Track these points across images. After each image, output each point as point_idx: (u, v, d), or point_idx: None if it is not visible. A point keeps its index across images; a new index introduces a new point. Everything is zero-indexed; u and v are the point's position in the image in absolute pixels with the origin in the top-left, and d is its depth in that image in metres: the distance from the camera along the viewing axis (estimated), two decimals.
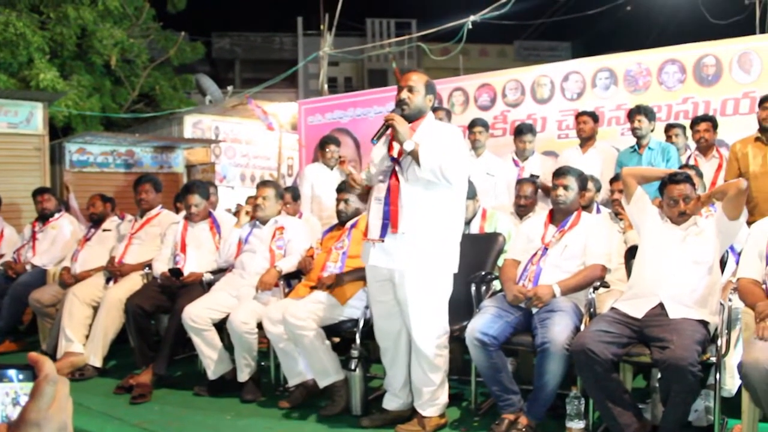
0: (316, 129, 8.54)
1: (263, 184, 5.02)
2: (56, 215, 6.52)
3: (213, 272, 5.03)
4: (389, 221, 3.48)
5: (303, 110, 8.91)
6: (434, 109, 5.70)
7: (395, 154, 3.55)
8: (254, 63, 32.47)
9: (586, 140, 6.04)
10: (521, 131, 6.13)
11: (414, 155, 3.43)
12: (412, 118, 3.55)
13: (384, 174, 3.59)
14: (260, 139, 11.93)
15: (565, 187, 4.01)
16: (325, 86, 12.14)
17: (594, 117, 6.10)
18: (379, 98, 8.10)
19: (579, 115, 6.14)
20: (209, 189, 5.62)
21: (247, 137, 12.01)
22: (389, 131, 3.53)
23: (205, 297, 4.66)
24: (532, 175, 5.62)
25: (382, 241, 3.50)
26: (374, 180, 3.69)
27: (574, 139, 6.45)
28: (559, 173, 4.09)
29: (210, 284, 4.90)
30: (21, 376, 0.85)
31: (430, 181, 3.44)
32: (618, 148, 6.14)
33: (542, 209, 5.29)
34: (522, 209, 5.32)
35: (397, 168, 3.52)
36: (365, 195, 3.75)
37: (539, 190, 5.52)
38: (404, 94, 3.58)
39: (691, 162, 5.40)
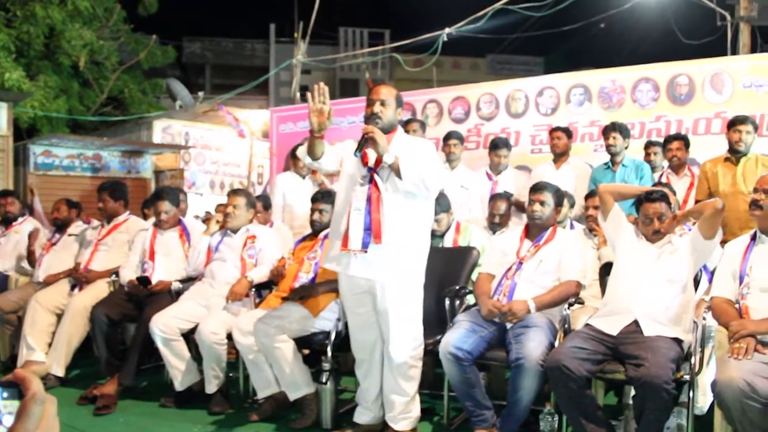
0: (287, 137, 8.48)
1: (234, 192, 4.99)
2: (20, 219, 6.37)
3: (182, 281, 4.96)
4: (371, 231, 3.47)
5: (275, 118, 8.86)
6: (408, 121, 5.97)
7: (371, 164, 3.55)
8: (225, 69, 32.19)
9: (560, 156, 6.09)
10: (496, 145, 6.16)
11: (394, 168, 3.44)
12: (385, 131, 3.55)
13: (358, 183, 3.57)
14: (231, 146, 11.85)
15: (542, 203, 4.02)
16: (298, 94, 12.12)
17: (568, 133, 6.14)
18: (352, 108, 8.07)
19: (553, 131, 6.18)
20: (179, 196, 5.56)
21: (217, 144, 11.94)
22: (368, 143, 3.51)
23: (174, 306, 4.60)
24: (505, 192, 5.64)
25: (365, 251, 3.47)
26: (342, 178, 3.69)
27: (547, 154, 6.49)
28: (536, 189, 4.11)
29: (179, 293, 4.84)
30: (5, 394, 0.81)
31: (409, 191, 3.47)
32: (591, 164, 6.18)
33: (516, 224, 5.35)
34: (496, 226, 5.32)
35: (376, 178, 3.52)
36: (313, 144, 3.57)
37: (512, 206, 5.54)
38: (377, 108, 3.59)
39: (664, 180, 5.46)
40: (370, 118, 3.58)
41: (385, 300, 3.57)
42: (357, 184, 3.55)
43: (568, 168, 6.03)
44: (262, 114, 11.26)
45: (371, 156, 3.55)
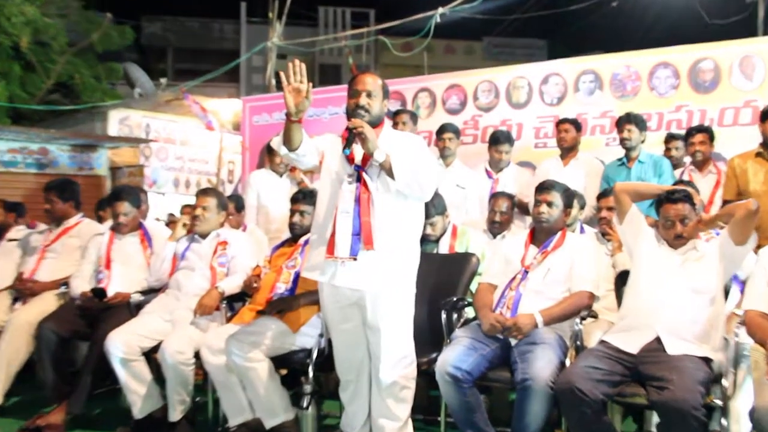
0: (262, 130, 8.42)
1: (204, 192, 4.94)
2: None
3: (143, 292, 4.90)
4: (361, 236, 3.45)
5: (248, 108, 8.80)
6: (397, 113, 6.00)
7: (359, 161, 3.54)
8: (190, 52, 31.75)
9: (568, 151, 6.06)
10: (497, 140, 6.10)
11: (386, 166, 3.44)
12: (372, 125, 3.54)
13: (344, 182, 3.56)
14: (197, 139, 11.83)
15: (549, 204, 4.01)
16: (273, 81, 12.03)
17: (576, 125, 6.10)
18: (334, 97, 8.01)
19: (560, 123, 6.15)
20: (140, 195, 5.48)
21: (182, 137, 11.88)
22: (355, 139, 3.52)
23: (133, 321, 4.54)
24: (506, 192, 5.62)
25: (354, 259, 3.45)
26: (323, 177, 3.68)
27: (553, 148, 6.45)
28: (543, 188, 4.09)
29: (139, 306, 4.77)
30: None
31: (400, 192, 3.47)
32: (603, 160, 6.14)
33: (518, 227, 5.34)
34: (496, 226, 5.31)
35: (365, 177, 3.51)
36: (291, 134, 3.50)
37: (515, 207, 5.53)
38: (363, 100, 3.59)
39: (686, 177, 5.45)
40: (355, 111, 3.57)
41: (376, 313, 3.56)
42: (343, 183, 3.54)
43: (576, 164, 5.99)
44: (232, 103, 11.26)
45: (358, 153, 3.54)
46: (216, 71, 12.63)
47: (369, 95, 3.60)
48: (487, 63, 23.24)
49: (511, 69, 7.38)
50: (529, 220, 5.66)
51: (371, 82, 3.63)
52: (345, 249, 3.46)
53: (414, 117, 6.29)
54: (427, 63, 15.75)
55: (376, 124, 3.60)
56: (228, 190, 10.41)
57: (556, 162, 6.10)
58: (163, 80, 14.72)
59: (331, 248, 3.49)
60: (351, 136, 3.45)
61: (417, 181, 3.45)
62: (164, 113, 11.94)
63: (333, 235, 3.48)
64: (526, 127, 7.12)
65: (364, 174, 3.52)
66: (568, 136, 6.03)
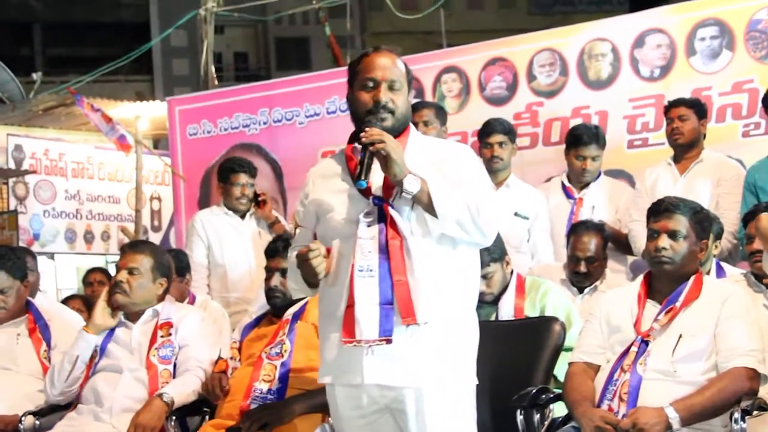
0: (201, 146, 7.11)
1: (132, 248, 4.23)
2: None
3: (38, 413, 4.08)
4: (394, 306, 2.86)
5: (177, 114, 7.37)
6: (414, 107, 4.93)
7: (377, 189, 2.91)
8: (67, 29, 25.91)
9: (686, 149, 4.94)
10: (580, 139, 5.01)
11: (421, 198, 2.82)
12: (395, 133, 2.93)
13: (360, 223, 2.94)
14: (101, 166, 9.78)
15: (673, 235, 3.38)
16: (211, 68, 9.96)
17: (698, 108, 4.97)
18: (314, 89, 6.80)
19: (671, 107, 5.01)
20: (25, 260, 4.63)
21: (75, 163, 9.75)
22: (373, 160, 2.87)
23: None
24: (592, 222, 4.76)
25: (390, 341, 2.85)
26: (322, 239, 3.08)
27: (660, 147, 5.36)
28: (661, 210, 3.47)
29: None
30: None
31: (444, 235, 2.90)
32: (741, 159, 5.01)
33: (614, 273, 4.72)
34: (581, 277, 4.50)
35: (392, 214, 2.89)
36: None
37: (607, 244, 4.69)
38: (385, 95, 2.95)
39: None
40: (375, 112, 2.93)
41: (423, 421, 2.93)
42: (355, 226, 2.92)
43: (701, 170, 4.94)
44: (149, 108, 9.15)
45: (375, 179, 2.90)
46: (123, 59, 10.47)
47: (392, 87, 2.96)
48: (536, 21, 19.49)
49: (583, 28, 6.11)
50: (630, 260, 5.01)
51: (391, 65, 2.99)
52: (371, 327, 2.87)
53: (441, 113, 5.28)
54: (445, 27, 12.74)
55: (401, 131, 2.99)
56: (154, 241, 8.69)
57: (668, 169, 5.01)
58: (36, 75, 12.59)
59: (349, 329, 2.87)
60: (366, 158, 2.79)
61: (471, 218, 2.83)
62: (43, 128, 9.92)
63: (350, 307, 2.87)
64: (612, 117, 5.82)
65: (389, 210, 2.88)
66: (686, 126, 4.88)
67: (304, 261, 2.89)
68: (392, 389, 2.93)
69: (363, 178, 2.79)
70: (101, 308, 4.02)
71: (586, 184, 5.12)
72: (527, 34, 6.42)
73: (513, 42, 6.27)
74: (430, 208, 2.80)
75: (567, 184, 5.16)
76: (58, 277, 8.37)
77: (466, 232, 2.85)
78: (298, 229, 3.26)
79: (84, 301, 6.09)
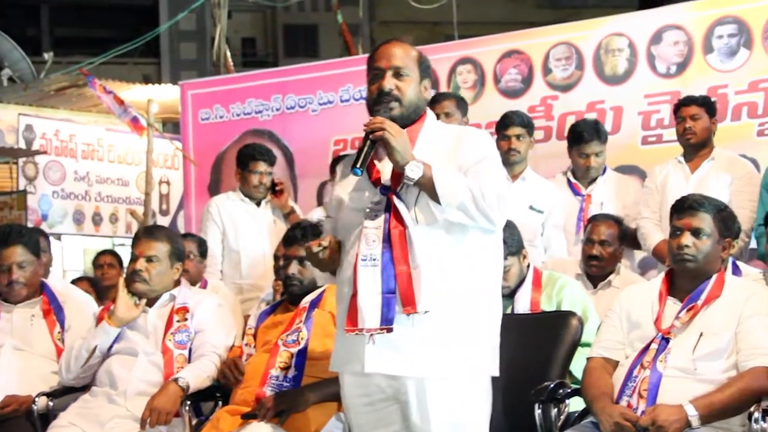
0: (213, 131, 7.10)
1: (149, 234, 4.13)
2: None
3: (52, 394, 4.07)
4: (396, 295, 2.87)
5: (190, 99, 7.32)
6: (435, 99, 4.98)
7: (386, 180, 2.96)
8: (75, 9, 26.33)
9: (697, 148, 4.93)
10: (580, 136, 5.01)
11: (425, 185, 2.85)
12: (406, 122, 2.98)
13: (366, 216, 2.96)
14: (110, 148, 9.79)
15: (697, 233, 3.36)
16: (227, 51, 10.04)
17: (709, 107, 4.97)
18: (327, 77, 6.84)
19: (682, 105, 5.00)
20: (39, 240, 4.55)
21: (85, 144, 9.75)
22: (374, 149, 2.92)
23: None
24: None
25: (390, 330, 2.85)
26: (341, 230, 3.13)
27: (674, 144, 5.30)
28: (685, 207, 3.43)
29: (47, 417, 4.00)
30: None
31: (453, 223, 2.90)
32: (756, 158, 4.99)
33: (629, 268, 4.72)
34: (595, 267, 4.48)
35: (396, 203, 2.90)
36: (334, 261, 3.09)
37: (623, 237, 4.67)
38: (389, 83, 3.00)
39: None
40: (379, 101, 2.98)
41: (427, 412, 2.93)
42: (362, 217, 2.97)
43: (713, 168, 4.94)
44: (160, 91, 9.21)
45: (383, 168, 2.96)
46: (133, 42, 10.48)
47: (398, 74, 3.01)
48: (554, 14, 19.62)
49: (601, 23, 6.13)
50: (639, 256, 5.07)
51: (400, 53, 3.05)
52: (373, 316, 2.89)
53: (462, 104, 5.21)
54: (457, 18, 12.58)
55: (413, 119, 3.03)
56: (163, 223, 8.76)
57: (678, 166, 5.04)
58: (47, 55, 12.55)
59: (352, 317, 2.90)
60: (366, 146, 2.85)
61: (475, 203, 2.84)
62: (54, 108, 9.85)
63: (354, 296, 2.89)
64: (627, 113, 5.83)
65: (395, 200, 2.91)
66: (698, 125, 4.88)
67: (311, 254, 2.95)
68: (396, 379, 2.96)
69: (358, 166, 2.83)
70: (124, 301, 4.01)
71: (593, 180, 5.15)
72: (544, 27, 6.41)
73: (529, 35, 6.29)
74: (433, 194, 2.82)
75: (573, 180, 5.18)
76: (64, 258, 8.30)
77: (471, 218, 2.86)
78: (327, 219, 3.30)
79: (91, 282, 6.11)
